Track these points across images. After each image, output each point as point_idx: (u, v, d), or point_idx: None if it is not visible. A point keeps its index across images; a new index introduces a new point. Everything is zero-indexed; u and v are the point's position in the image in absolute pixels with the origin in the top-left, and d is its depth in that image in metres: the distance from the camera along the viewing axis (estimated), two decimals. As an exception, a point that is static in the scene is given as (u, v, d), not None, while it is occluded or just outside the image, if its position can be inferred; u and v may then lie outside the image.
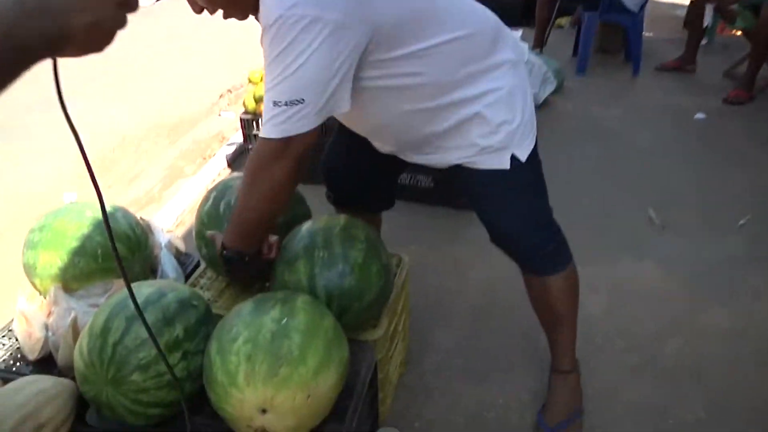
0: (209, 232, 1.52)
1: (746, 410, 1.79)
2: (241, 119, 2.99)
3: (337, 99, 1.22)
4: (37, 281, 1.58)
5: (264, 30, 1.17)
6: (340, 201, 1.86)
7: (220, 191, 1.63)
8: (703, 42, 4.93)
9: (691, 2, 4.63)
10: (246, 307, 1.27)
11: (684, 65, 4.72)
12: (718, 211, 2.82)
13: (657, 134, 3.66)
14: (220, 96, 4.45)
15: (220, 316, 1.56)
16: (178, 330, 1.25)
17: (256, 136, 2.99)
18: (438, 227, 2.75)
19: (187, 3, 1.25)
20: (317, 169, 1.79)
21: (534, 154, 1.49)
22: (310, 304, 1.28)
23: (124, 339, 1.21)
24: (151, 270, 1.70)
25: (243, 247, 1.38)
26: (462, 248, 2.57)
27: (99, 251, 1.53)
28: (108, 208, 1.61)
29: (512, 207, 1.53)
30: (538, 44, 4.78)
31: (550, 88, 4.07)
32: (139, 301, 1.26)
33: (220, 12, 1.27)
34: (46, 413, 1.22)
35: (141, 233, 1.64)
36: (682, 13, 4.95)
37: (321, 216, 1.57)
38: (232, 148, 3.32)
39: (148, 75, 4.94)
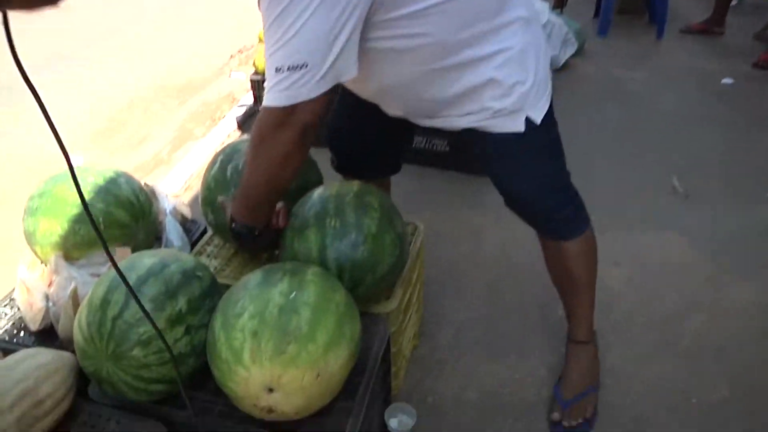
0: (220, 198, 1.45)
1: (772, 389, 1.73)
2: (251, 80, 2.90)
3: (343, 63, 1.13)
4: (37, 249, 1.52)
5: None
6: (344, 167, 1.78)
7: (227, 155, 1.55)
8: (733, 2, 4.72)
9: (721, -40, 4.43)
10: (253, 279, 1.20)
11: (711, 27, 4.53)
12: (745, 180, 2.71)
13: (682, 99, 3.52)
14: (231, 56, 4.35)
15: (227, 286, 1.50)
16: (181, 303, 1.19)
17: (266, 97, 2.89)
18: (453, 193, 2.66)
19: None
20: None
21: (549, 116, 1.42)
22: (321, 276, 1.21)
23: (123, 313, 1.15)
24: (156, 237, 1.64)
25: (251, 221, 1.32)
26: (478, 215, 2.49)
27: (101, 219, 1.47)
28: (111, 173, 1.57)
29: (527, 170, 1.47)
30: (559, 4, 4.60)
31: (571, 50, 3.93)
32: (140, 272, 1.22)
33: None
34: (46, 388, 1.18)
35: (145, 200, 1.57)
36: (711, -29, 4.74)
37: (333, 182, 1.49)
38: (243, 110, 3.24)
39: (157, 35, 4.82)
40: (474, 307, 2.06)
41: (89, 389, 1.27)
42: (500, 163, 1.49)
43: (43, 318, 1.42)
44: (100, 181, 1.51)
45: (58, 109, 3.59)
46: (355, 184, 1.44)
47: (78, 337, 1.19)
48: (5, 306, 1.54)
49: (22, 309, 1.46)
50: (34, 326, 1.43)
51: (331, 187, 1.44)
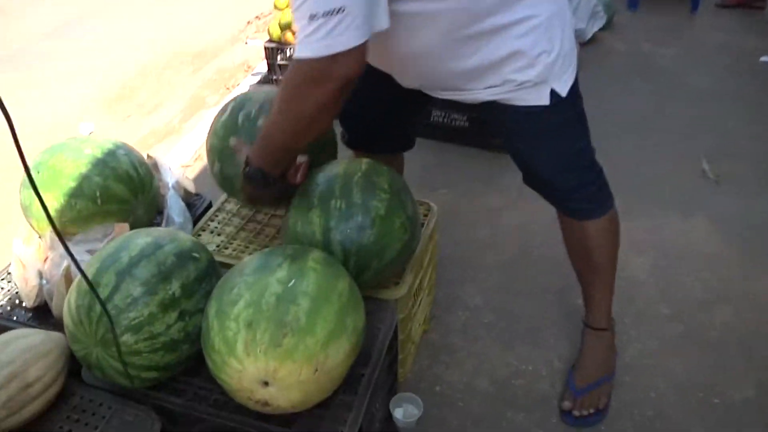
0: (233, 139, 1.34)
1: (802, 390, 1.64)
2: (265, 48, 2.81)
3: (379, 8, 1.05)
4: (33, 222, 1.47)
5: None
6: (355, 142, 1.70)
7: (238, 102, 1.45)
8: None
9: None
10: (251, 263, 1.13)
11: (751, 1, 4.31)
12: (780, 166, 2.57)
13: (715, 78, 3.36)
14: (248, 23, 4.24)
15: (229, 266, 1.44)
16: (175, 287, 1.13)
17: (280, 66, 2.80)
18: (471, 170, 2.56)
19: None
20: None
21: (575, 89, 1.34)
22: (323, 262, 1.13)
23: (113, 297, 1.08)
24: (157, 212, 1.57)
25: (268, 167, 1.22)
26: (496, 194, 2.39)
27: (98, 193, 1.40)
28: (109, 145, 1.49)
29: (550, 146, 1.39)
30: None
31: (599, 23, 3.76)
32: (132, 253, 1.14)
33: None
34: (34, 372, 1.12)
35: (145, 173, 1.50)
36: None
37: (341, 160, 1.41)
38: (257, 78, 3.15)
39: (174, 0, 4.72)
40: (488, 291, 1.98)
41: (82, 372, 1.22)
42: (522, 137, 1.41)
43: (37, 295, 1.37)
44: (98, 154, 1.43)
45: (73, 74, 3.54)
46: (363, 163, 1.36)
47: (67, 320, 1.13)
48: (2, 280, 1.49)
49: (17, 284, 1.41)
50: (29, 303, 1.38)
51: (338, 165, 1.36)
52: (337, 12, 0.98)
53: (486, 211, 2.32)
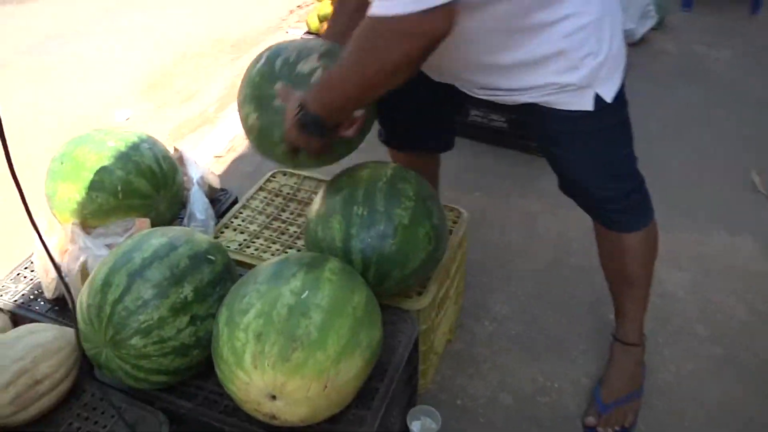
0: (281, 83, 1.21)
1: None
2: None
3: None
4: (56, 213, 1.46)
5: None
6: (391, 139, 1.64)
7: (273, 51, 1.31)
8: None
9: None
10: (265, 270, 1.09)
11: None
12: (836, 182, 2.42)
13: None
14: (290, 12, 4.21)
15: (248, 266, 1.41)
16: (187, 290, 1.10)
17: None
18: (508, 173, 2.48)
19: None
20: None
21: (621, 94, 1.25)
22: (340, 273, 1.09)
23: (124, 298, 1.06)
24: (180, 208, 1.55)
25: (325, 114, 1.12)
26: (532, 199, 2.31)
27: (119, 187, 1.38)
28: (134, 138, 1.47)
29: (592, 154, 1.32)
30: (642, -29, 4.25)
31: (650, 23, 3.61)
32: (145, 254, 1.11)
33: None
34: (44, 368, 1.11)
35: (168, 168, 1.47)
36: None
37: (366, 163, 1.35)
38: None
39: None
40: (518, 300, 1.91)
41: (95, 369, 1.20)
42: (561, 142, 1.34)
43: (56, 288, 1.36)
44: (122, 147, 1.41)
45: (114, 60, 3.56)
46: (390, 168, 1.30)
47: (79, 317, 1.11)
48: (26, 268, 1.49)
49: (38, 274, 1.40)
50: (48, 294, 1.38)
51: (362, 169, 1.31)
52: None
53: (521, 215, 2.24)
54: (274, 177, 1.73)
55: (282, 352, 0.95)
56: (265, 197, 1.67)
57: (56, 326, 1.20)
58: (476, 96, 1.34)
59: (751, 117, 2.86)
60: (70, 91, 3.20)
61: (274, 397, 0.98)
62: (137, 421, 1.12)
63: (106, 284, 1.08)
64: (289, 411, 0.99)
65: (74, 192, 1.39)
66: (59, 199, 1.41)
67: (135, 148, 1.43)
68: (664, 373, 1.66)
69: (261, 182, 1.70)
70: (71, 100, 3.10)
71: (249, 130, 1.31)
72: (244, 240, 1.53)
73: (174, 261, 1.11)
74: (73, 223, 1.39)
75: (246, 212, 1.62)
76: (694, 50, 3.57)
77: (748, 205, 2.30)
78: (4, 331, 1.30)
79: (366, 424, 1.10)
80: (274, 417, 1.00)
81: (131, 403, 1.15)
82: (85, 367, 1.17)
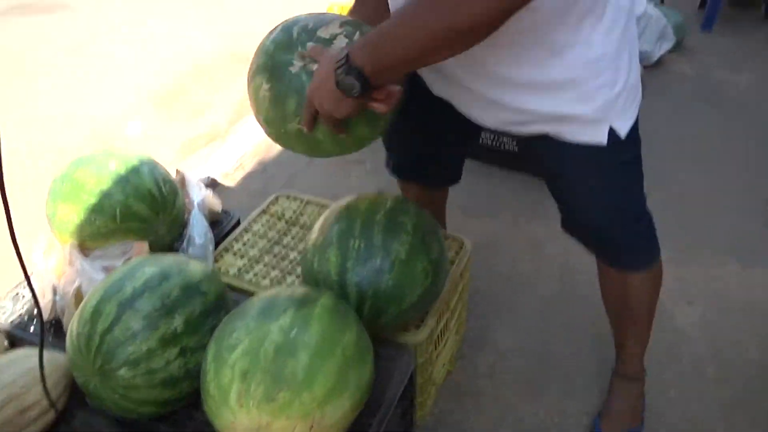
0: (311, 44, 1.10)
1: None
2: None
3: None
4: (56, 233, 1.45)
5: None
6: (399, 170, 1.61)
7: (289, 22, 1.19)
8: None
9: None
10: (256, 304, 1.07)
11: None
12: None
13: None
14: (306, 25, 4.22)
15: (246, 293, 1.40)
16: (178, 322, 1.08)
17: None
18: (517, 198, 2.45)
19: None
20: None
21: (635, 129, 1.20)
22: (331, 311, 1.06)
23: (113, 328, 1.05)
24: (179, 231, 1.53)
25: (372, 72, 0.97)
26: (541, 226, 2.27)
27: (118, 210, 1.37)
28: (135, 161, 1.46)
29: (601, 192, 1.26)
30: (661, -8, 4.21)
31: (667, 45, 3.56)
32: (137, 284, 1.10)
33: None
34: (32, 396, 1.10)
35: (169, 191, 1.46)
36: None
37: (366, 194, 1.33)
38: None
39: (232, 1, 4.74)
40: (522, 330, 1.87)
41: (86, 397, 1.19)
42: (571, 181, 1.28)
43: (51, 310, 1.35)
44: (122, 170, 1.41)
45: (130, 71, 3.59)
46: (389, 200, 1.28)
47: (68, 345, 1.10)
48: (25, 288, 1.48)
49: (37, 294, 1.40)
50: (45, 315, 1.37)
51: (362, 201, 1.29)
52: None
53: (529, 242, 2.21)
54: (277, 200, 1.71)
55: (267, 392, 0.93)
56: (268, 221, 1.65)
57: (48, 352, 1.19)
58: (486, 127, 1.29)
59: (759, 134, 2.80)
60: (84, 102, 3.22)
61: (259, 437, 0.96)
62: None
63: (96, 313, 1.06)
64: (274, 451, 0.97)
65: (73, 213, 1.38)
66: (59, 220, 1.40)
67: (135, 171, 1.42)
68: (669, 415, 1.61)
69: (264, 205, 1.69)
70: (84, 111, 3.12)
71: (259, 105, 1.15)
72: (244, 265, 1.52)
73: (165, 291, 1.09)
74: (71, 245, 1.38)
75: (247, 236, 1.61)
76: (713, 74, 3.52)
77: (763, 237, 2.24)
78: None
79: (355, 463, 1.08)
80: (259, 456, 0.98)
81: (123, 430, 1.14)
82: (75, 394, 1.16)
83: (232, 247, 1.58)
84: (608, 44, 1.09)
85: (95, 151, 1.50)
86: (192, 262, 1.22)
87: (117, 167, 1.41)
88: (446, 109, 1.30)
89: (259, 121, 1.18)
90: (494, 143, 2.55)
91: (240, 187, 2.42)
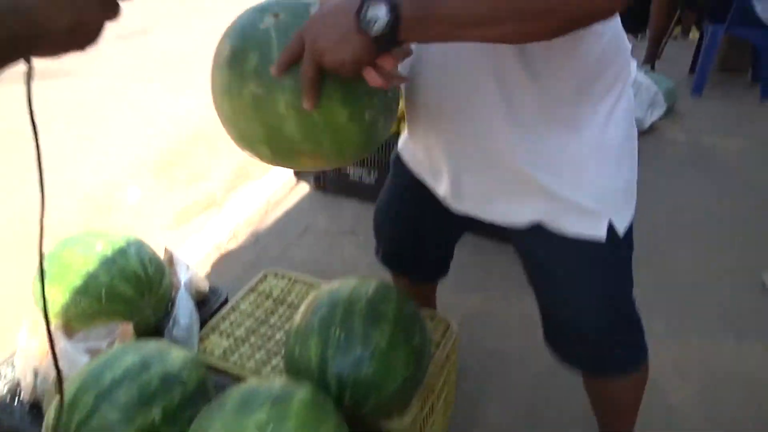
0: None
1: None
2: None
3: None
4: (42, 313, 1.45)
5: None
6: (387, 260, 1.58)
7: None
8: None
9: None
10: (233, 398, 1.06)
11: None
12: None
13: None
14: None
15: (230, 376, 1.39)
16: (156, 413, 1.08)
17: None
18: (508, 271, 2.43)
19: None
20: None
21: (630, 229, 1.15)
22: (309, 405, 1.05)
23: (90, 420, 1.05)
24: (165, 311, 1.53)
25: (408, 14, 0.76)
26: (532, 300, 2.22)
27: (103, 291, 1.38)
28: (122, 242, 1.48)
29: (594, 294, 1.19)
30: (651, 59, 4.31)
31: (659, 112, 3.63)
32: (116, 374, 1.09)
33: None
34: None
35: (155, 271, 1.47)
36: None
37: (349, 279, 1.33)
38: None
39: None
40: (511, 413, 1.83)
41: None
42: (561, 274, 1.20)
43: (32, 392, 1.34)
44: (108, 251, 1.42)
45: (129, 137, 3.64)
46: (372, 286, 1.28)
47: (44, 434, 1.09)
48: (8, 366, 1.47)
49: (19, 375, 1.39)
50: (26, 396, 1.36)
51: (344, 287, 1.29)
52: None
53: (520, 318, 2.19)
54: (266, 278, 1.71)
55: (242, 493, 0.91)
56: (255, 299, 1.65)
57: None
58: (481, 218, 1.22)
59: (761, 213, 2.82)
60: (81, 168, 3.26)
61: None
62: None
63: (73, 403, 1.06)
64: None
65: (59, 294, 1.39)
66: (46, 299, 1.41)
67: (122, 252, 1.43)
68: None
69: (252, 283, 1.69)
70: (82, 177, 3.16)
71: (216, 71, 0.96)
72: (229, 345, 1.51)
73: (144, 381, 1.09)
74: (55, 326, 1.38)
75: (234, 315, 1.60)
76: (703, 140, 3.57)
77: (758, 309, 2.23)
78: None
79: None
80: None
81: None
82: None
83: (219, 326, 1.57)
84: (621, 130, 1.08)
85: (81, 232, 1.51)
86: (174, 349, 1.21)
87: (104, 248, 1.43)
88: (438, 206, 1.27)
89: (214, 100, 0.98)
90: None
91: (232, 259, 2.43)
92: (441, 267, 1.60)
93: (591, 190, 1.08)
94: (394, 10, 0.75)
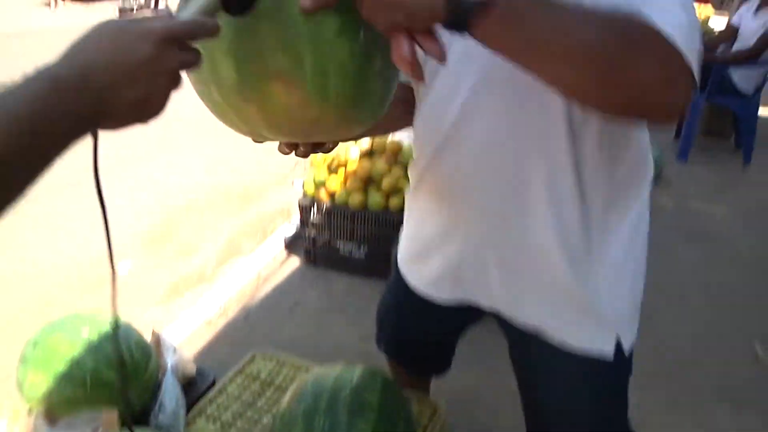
0: None
1: None
2: (299, 204, 2.83)
3: None
4: (25, 398, 1.43)
5: None
6: (388, 350, 1.50)
7: None
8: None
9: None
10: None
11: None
12: None
13: (769, 244, 3.19)
14: (296, 163, 4.37)
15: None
16: None
17: (314, 224, 2.80)
18: (498, 347, 2.39)
19: None
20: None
21: (632, 352, 1.09)
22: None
23: None
24: (152, 395, 1.51)
25: (495, 15, 0.66)
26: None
27: (88, 378, 1.37)
28: (107, 326, 1.47)
29: (592, 410, 1.11)
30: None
31: (646, 179, 3.69)
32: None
33: None
34: None
35: (141, 356, 1.46)
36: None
37: (335, 366, 1.33)
38: (293, 230, 3.16)
39: (228, 134, 4.93)
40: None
41: None
42: (560, 391, 1.12)
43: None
44: (95, 336, 1.41)
45: (121, 209, 3.66)
46: (356, 374, 1.27)
47: None
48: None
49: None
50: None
51: (329, 374, 1.28)
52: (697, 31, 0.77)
53: (511, 395, 2.13)
54: (254, 359, 1.70)
55: None
56: (243, 381, 1.63)
57: None
58: (485, 308, 1.15)
59: (750, 281, 2.84)
60: (73, 241, 3.26)
61: None
62: None
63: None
64: None
65: (43, 380, 1.37)
66: (29, 385, 1.40)
67: (108, 337, 1.42)
68: None
69: (240, 365, 1.68)
70: (74, 251, 3.15)
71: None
72: (216, 430, 1.48)
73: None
74: (38, 412, 1.36)
75: (221, 398, 1.58)
76: (689, 205, 3.62)
77: (752, 379, 2.22)
78: None
79: None
80: None
81: None
82: None
83: (206, 409, 1.54)
84: (641, 244, 1.05)
85: (67, 316, 1.51)
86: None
87: (90, 333, 1.42)
88: (443, 307, 1.21)
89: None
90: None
91: (222, 336, 2.40)
92: (443, 363, 1.52)
93: (593, 298, 1.02)
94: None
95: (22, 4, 11.63)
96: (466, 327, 1.40)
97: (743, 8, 4.50)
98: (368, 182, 2.70)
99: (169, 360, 1.57)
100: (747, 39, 4.20)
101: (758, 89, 4.30)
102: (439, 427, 1.48)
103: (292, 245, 3.09)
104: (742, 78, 4.19)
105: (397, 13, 0.66)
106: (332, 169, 2.83)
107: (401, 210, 2.52)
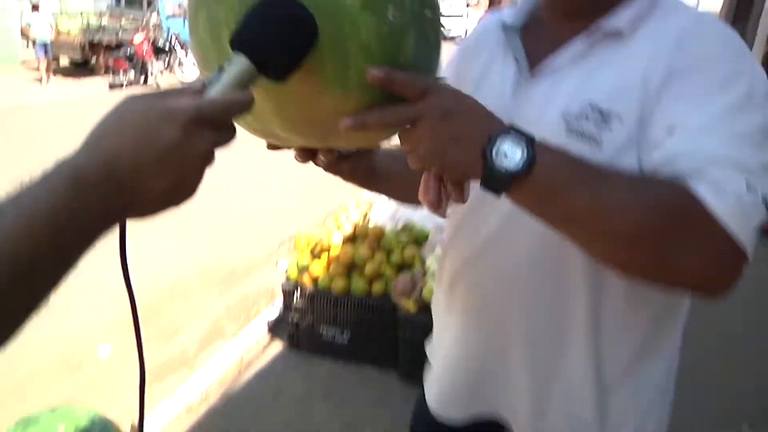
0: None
1: None
2: (282, 288, 2.84)
3: None
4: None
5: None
6: None
7: None
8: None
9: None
10: None
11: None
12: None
13: (761, 318, 3.19)
14: (280, 244, 4.38)
15: None
16: None
17: (297, 308, 2.80)
18: None
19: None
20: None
21: None
22: None
23: None
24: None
25: (544, 167, 0.65)
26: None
27: (61, 478, 1.33)
28: (84, 421, 1.44)
29: None
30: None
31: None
32: None
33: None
34: None
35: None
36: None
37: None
38: (276, 313, 3.15)
39: (213, 213, 4.94)
40: None
41: None
42: None
43: None
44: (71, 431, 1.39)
45: (104, 291, 3.63)
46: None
47: None
48: None
49: None
50: None
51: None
52: None
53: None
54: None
55: None
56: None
57: None
58: (501, 421, 1.07)
59: (739, 357, 2.83)
60: (56, 324, 3.21)
61: None
62: None
63: None
64: None
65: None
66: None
67: (85, 432, 1.40)
68: None
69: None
70: (57, 333, 3.10)
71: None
72: None
73: None
74: None
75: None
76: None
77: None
78: None
79: None
80: None
81: None
82: None
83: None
84: (668, 393, 1.04)
85: (42, 410, 1.48)
86: None
87: (66, 429, 1.39)
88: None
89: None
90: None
91: (203, 424, 2.35)
92: None
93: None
94: (529, 155, 0.64)
95: (14, 80, 11.84)
96: None
97: None
98: (351, 267, 2.72)
99: (147, 454, 1.53)
100: None
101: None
102: None
103: (275, 328, 3.07)
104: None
105: (434, 161, 0.67)
106: (315, 254, 2.85)
107: (384, 295, 2.55)
